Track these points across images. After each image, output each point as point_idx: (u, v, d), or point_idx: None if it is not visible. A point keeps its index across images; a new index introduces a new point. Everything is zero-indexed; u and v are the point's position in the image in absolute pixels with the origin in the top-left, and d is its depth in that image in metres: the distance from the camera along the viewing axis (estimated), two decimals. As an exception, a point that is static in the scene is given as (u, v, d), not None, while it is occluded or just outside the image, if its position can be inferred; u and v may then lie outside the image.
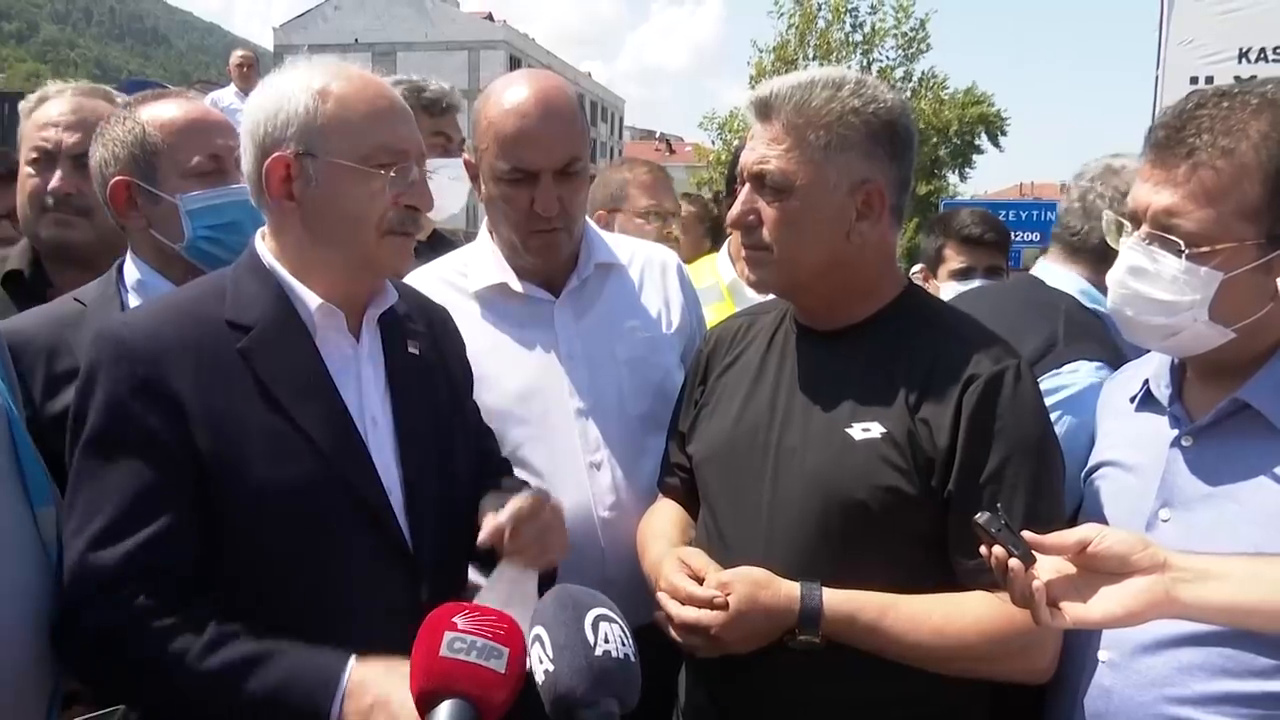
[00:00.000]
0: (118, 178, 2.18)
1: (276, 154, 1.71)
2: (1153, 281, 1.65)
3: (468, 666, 1.33)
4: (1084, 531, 1.46)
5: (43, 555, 1.64)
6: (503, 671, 1.35)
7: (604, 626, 1.31)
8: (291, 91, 1.72)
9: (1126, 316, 1.73)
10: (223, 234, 2.18)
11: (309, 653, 1.56)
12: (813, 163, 1.81)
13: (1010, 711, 1.90)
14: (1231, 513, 1.61)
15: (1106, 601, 1.42)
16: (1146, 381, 1.83)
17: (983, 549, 1.49)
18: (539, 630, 1.33)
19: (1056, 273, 2.49)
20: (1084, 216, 2.45)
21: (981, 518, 1.47)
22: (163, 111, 2.22)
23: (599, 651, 1.28)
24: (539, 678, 1.30)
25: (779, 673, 1.80)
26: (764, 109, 1.86)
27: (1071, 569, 1.46)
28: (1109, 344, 2.28)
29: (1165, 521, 1.68)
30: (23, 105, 2.61)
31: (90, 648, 1.59)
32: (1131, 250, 1.69)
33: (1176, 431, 1.73)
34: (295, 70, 1.77)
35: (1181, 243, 1.61)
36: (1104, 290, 2.01)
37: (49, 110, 2.52)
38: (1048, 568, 1.46)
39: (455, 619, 1.37)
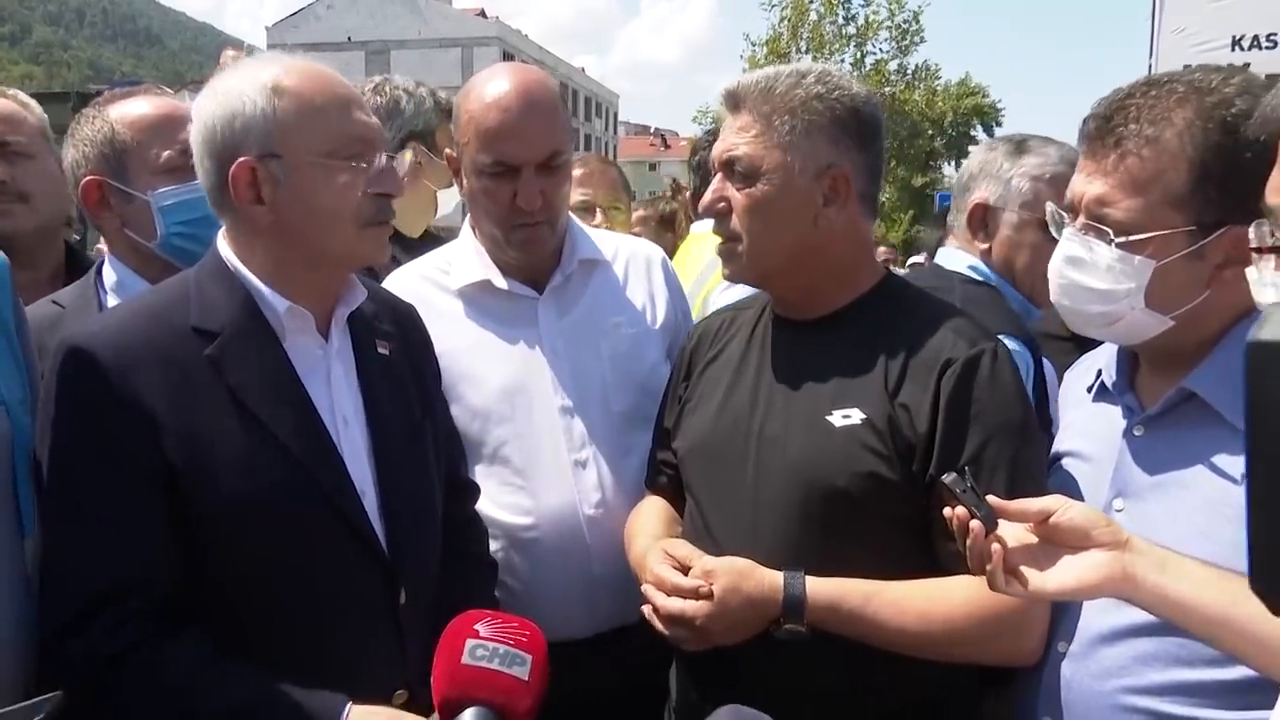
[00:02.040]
0: (89, 177, 2.16)
1: (241, 160, 1.64)
2: (1089, 271, 1.66)
3: (490, 674, 1.33)
4: (1047, 502, 1.46)
5: (26, 584, 1.60)
6: (526, 679, 1.34)
7: None
8: (244, 92, 1.65)
9: (1065, 306, 1.74)
10: (197, 229, 2.15)
11: (307, 696, 1.53)
12: (779, 147, 1.84)
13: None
14: (1181, 500, 1.60)
15: (1063, 573, 1.42)
16: (1101, 371, 1.83)
17: (946, 510, 1.49)
18: None
19: (948, 256, 2.69)
20: (954, 210, 2.77)
21: (948, 478, 1.47)
22: (131, 109, 2.20)
23: None
24: None
25: (768, 665, 1.79)
26: (733, 100, 1.90)
27: (1033, 540, 1.46)
28: (1003, 308, 2.46)
29: (1119, 511, 1.68)
30: None
31: (82, 677, 1.54)
32: (1068, 240, 1.70)
33: (1127, 421, 1.73)
34: (242, 69, 1.70)
35: (1111, 232, 1.62)
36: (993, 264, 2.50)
37: None
38: (1010, 537, 1.46)
39: (477, 626, 1.37)
